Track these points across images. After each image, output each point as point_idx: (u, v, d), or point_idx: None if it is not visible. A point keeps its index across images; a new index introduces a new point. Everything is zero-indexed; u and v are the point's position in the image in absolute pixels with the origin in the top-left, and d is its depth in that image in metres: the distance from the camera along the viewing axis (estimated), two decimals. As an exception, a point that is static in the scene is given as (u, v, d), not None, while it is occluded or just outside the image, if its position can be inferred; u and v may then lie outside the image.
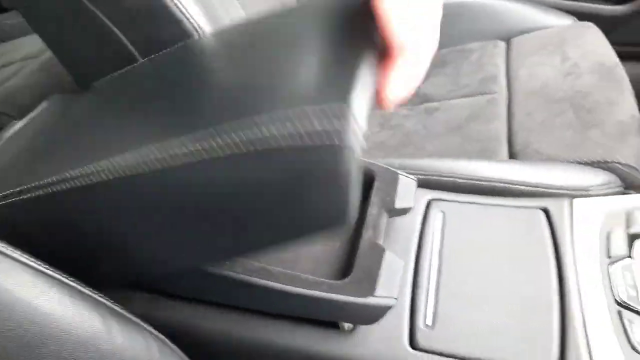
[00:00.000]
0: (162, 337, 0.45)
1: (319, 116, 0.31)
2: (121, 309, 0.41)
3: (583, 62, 0.90)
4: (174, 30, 0.67)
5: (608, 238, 0.56)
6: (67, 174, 0.39)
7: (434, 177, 0.70)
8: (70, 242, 0.44)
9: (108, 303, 0.40)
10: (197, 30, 0.68)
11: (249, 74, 0.41)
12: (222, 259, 0.49)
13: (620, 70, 0.87)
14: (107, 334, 0.38)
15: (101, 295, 0.40)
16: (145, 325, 0.43)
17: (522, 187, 0.66)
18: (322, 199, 0.34)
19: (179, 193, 0.38)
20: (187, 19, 0.67)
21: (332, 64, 0.36)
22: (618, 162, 0.72)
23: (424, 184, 0.68)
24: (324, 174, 0.33)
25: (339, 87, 0.33)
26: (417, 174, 0.70)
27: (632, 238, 0.55)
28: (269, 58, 0.41)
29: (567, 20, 1.06)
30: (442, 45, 1.08)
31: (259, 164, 0.33)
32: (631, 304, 0.50)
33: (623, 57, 0.92)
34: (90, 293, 0.39)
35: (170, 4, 0.66)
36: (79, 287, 0.38)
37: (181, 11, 0.67)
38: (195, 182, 0.36)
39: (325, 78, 0.35)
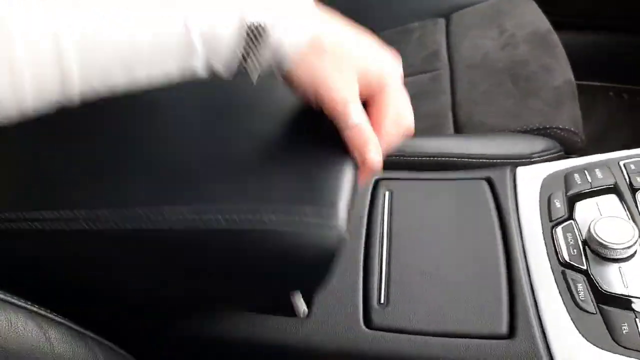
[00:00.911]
0: (108, 342, 0.43)
1: (317, 216, 0.37)
2: (59, 317, 0.39)
3: (519, 32, 0.92)
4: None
5: (549, 202, 0.58)
6: (40, 215, 0.38)
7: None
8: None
9: (43, 312, 0.38)
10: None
11: (233, 145, 0.42)
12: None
13: (554, 38, 0.89)
14: (46, 344, 0.36)
15: (35, 305, 0.38)
16: (88, 332, 0.41)
17: (467, 160, 0.67)
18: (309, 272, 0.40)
19: (161, 254, 0.40)
20: None
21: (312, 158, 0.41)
22: (557, 127, 0.74)
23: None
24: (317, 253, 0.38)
25: (329, 190, 0.39)
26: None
27: (571, 200, 0.57)
28: (247, 132, 0.43)
29: (502, -7, 1.07)
30: (383, 27, 1.10)
31: (254, 240, 0.37)
32: (574, 263, 0.51)
33: (561, 26, 0.94)
34: (23, 304, 0.37)
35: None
36: (8, 298, 0.36)
37: None
38: (184, 247, 0.39)
39: (313, 176, 0.40)
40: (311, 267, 0.39)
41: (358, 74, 0.39)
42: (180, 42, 0.33)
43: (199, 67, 0.35)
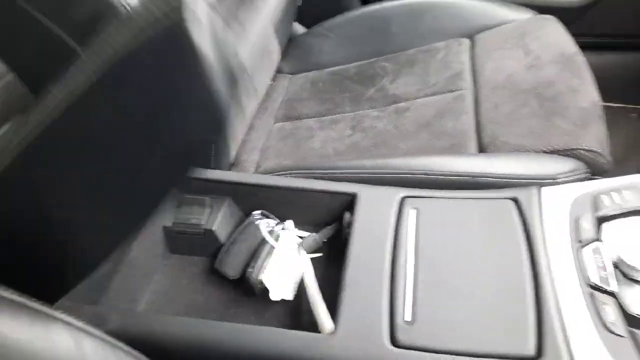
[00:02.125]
0: (137, 353, 0.44)
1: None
2: (93, 328, 0.40)
3: (544, 53, 0.92)
4: (98, 5, 0.63)
5: (577, 223, 0.57)
6: None
7: (407, 175, 0.70)
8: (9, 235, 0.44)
9: (79, 324, 0.39)
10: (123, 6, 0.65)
11: None
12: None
13: (580, 59, 0.89)
14: (80, 355, 0.37)
15: (70, 315, 0.39)
16: (119, 343, 0.42)
17: (491, 179, 0.67)
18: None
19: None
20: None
21: None
22: (583, 149, 0.74)
23: (397, 182, 0.68)
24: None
25: None
26: (390, 173, 0.71)
27: (599, 221, 0.57)
28: None
29: (527, 14, 1.08)
30: (408, 45, 1.11)
31: None
32: (602, 285, 0.51)
33: (582, 47, 0.94)
34: (58, 315, 0.38)
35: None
36: (45, 309, 0.37)
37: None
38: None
39: None
40: None
41: None
42: None
43: None
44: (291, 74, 1.16)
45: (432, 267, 0.56)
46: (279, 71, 1.16)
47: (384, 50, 1.12)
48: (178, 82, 0.42)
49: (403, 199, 0.63)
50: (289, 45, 1.20)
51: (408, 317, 0.52)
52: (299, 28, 1.27)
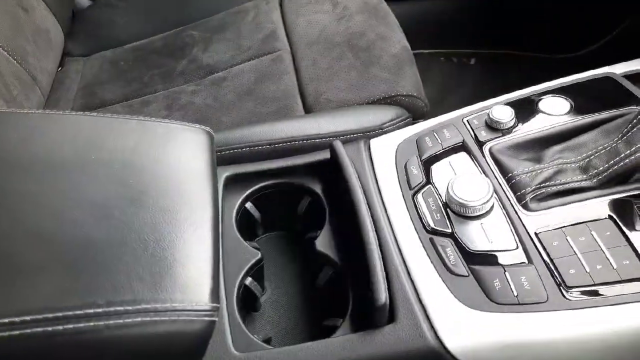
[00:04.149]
0: None
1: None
2: None
3: (351, 3, 0.90)
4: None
5: (406, 169, 0.56)
6: None
7: (231, 151, 0.63)
8: None
9: None
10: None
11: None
12: None
13: (384, 6, 0.90)
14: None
15: None
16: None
17: (319, 140, 0.63)
18: None
19: None
20: None
21: None
22: (401, 95, 0.74)
23: (222, 160, 0.60)
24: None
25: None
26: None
27: (426, 164, 0.56)
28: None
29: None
30: (215, 9, 1.01)
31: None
32: (439, 228, 0.50)
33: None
34: None
35: None
36: None
37: None
38: None
39: None
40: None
41: None
42: None
43: None
44: (84, 55, 0.98)
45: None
46: (67, 54, 0.97)
47: (189, 18, 1.00)
48: None
49: (227, 178, 0.55)
50: (75, 22, 1.01)
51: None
52: (83, 0, 1.08)
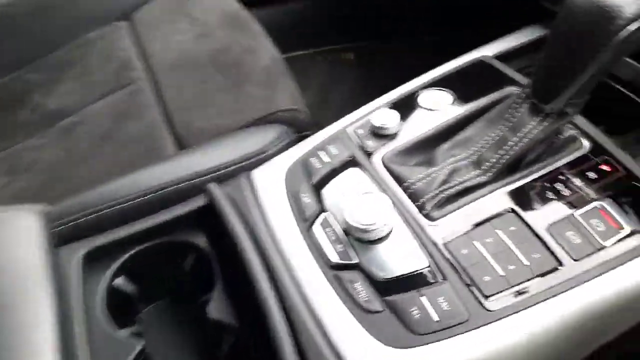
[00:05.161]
0: None
1: None
2: None
3: (210, 18, 0.83)
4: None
5: (297, 199, 0.50)
6: None
7: (90, 217, 0.52)
8: None
9: None
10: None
11: None
12: None
13: (244, 15, 0.83)
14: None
15: None
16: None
17: (192, 182, 0.55)
18: None
19: None
20: None
21: None
22: (280, 110, 0.68)
23: (80, 231, 0.50)
24: None
25: None
26: (70, 222, 0.52)
27: (317, 189, 0.50)
28: None
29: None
30: (57, 44, 0.88)
31: None
32: (343, 261, 0.44)
33: (246, 3, 0.88)
34: None
35: None
36: None
37: None
38: None
39: None
40: None
41: None
42: None
43: None
44: None
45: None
46: None
47: (24, 58, 0.86)
48: None
49: (86, 256, 0.45)
50: None
51: None
52: None
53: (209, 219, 0.50)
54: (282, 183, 0.51)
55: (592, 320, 0.41)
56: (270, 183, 0.52)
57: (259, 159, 0.60)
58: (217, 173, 0.57)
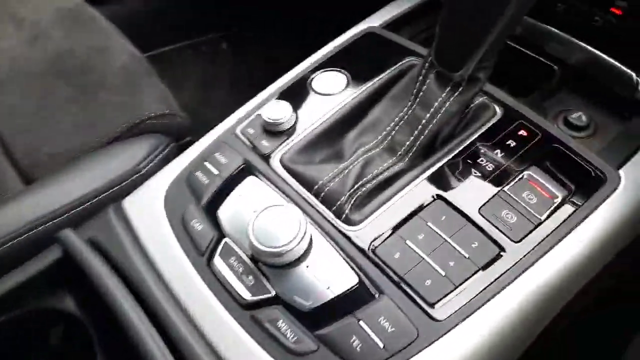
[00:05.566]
0: None
1: None
2: None
3: (40, 16, 0.67)
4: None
5: (186, 227, 0.40)
6: None
7: None
8: None
9: None
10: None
11: None
12: None
13: (88, 10, 0.69)
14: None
15: None
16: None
17: (47, 226, 0.42)
18: None
19: None
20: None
21: None
22: (148, 117, 0.56)
23: None
24: None
25: None
26: None
27: (209, 210, 0.40)
28: None
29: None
30: None
31: None
32: (258, 297, 0.36)
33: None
34: None
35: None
36: None
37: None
38: None
39: None
40: None
41: None
42: None
43: None
44: None
45: None
46: None
47: None
48: None
49: None
50: None
51: None
52: None
53: (75, 272, 0.38)
54: (161, 210, 0.41)
55: (544, 300, 0.37)
56: (147, 213, 0.41)
57: (130, 183, 0.49)
58: (78, 209, 0.45)
